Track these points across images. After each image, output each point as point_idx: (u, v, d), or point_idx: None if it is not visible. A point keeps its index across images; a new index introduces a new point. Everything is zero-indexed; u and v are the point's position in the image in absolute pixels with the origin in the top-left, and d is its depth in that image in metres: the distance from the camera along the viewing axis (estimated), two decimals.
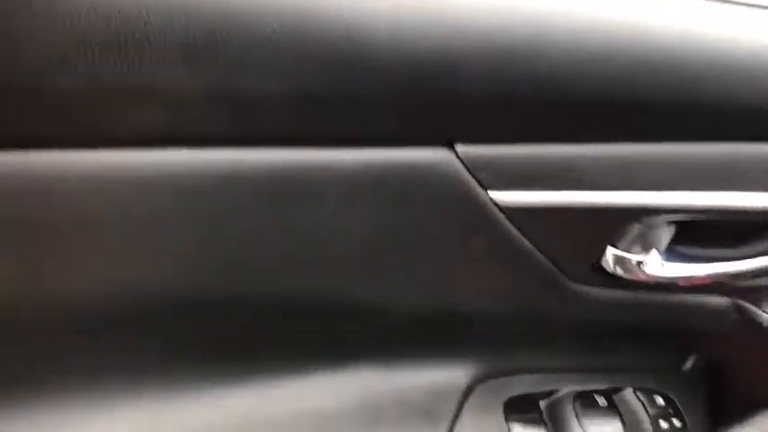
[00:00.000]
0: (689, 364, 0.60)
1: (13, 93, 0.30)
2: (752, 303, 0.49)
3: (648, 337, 0.57)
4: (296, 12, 0.31)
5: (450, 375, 0.53)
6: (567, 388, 0.56)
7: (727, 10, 0.37)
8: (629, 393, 0.56)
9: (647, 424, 0.54)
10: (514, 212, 0.40)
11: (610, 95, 0.36)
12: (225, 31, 0.30)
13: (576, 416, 0.53)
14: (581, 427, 0.52)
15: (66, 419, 0.44)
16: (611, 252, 0.44)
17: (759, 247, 0.46)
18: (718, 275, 0.46)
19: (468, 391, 0.53)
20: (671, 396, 0.57)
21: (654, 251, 0.45)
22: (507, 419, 0.52)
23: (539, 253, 0.43)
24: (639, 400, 0.56)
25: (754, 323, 0.49)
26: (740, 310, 0.49)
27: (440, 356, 0.53)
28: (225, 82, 0.31)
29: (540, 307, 0.49)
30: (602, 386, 0.56)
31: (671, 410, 0.55)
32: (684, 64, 0.36)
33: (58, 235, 0.36)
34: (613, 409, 0.54)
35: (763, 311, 0.48)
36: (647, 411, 0.55)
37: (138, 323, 0.42)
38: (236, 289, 0.42)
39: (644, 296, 0.48)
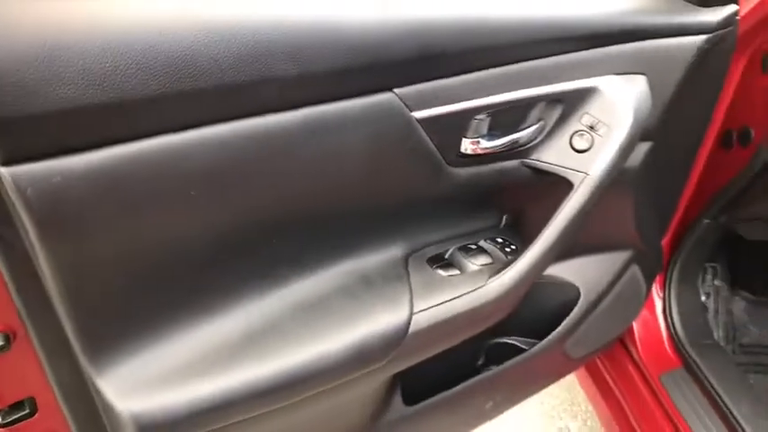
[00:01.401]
0: (503, 222, 1.07)
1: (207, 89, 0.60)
2: (532, 159, 0.95)
3: (483, 206, 1.03)
4: (331, 30, 0.67)
5: (395, 252, 0.90)
6: (454, 246, 0.98)
7: None
8: (483, 241, 1.00)
9: (499, 251, 0.98)
10: (424, 122, 0.79)
11: (468, 50, 0.78)
12: (310, 42, 0.64)
13: (464, 257, 0.95)
14: (468, 260, 0.94)
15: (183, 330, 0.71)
16: (464, 140, 0.87)
17: (529, 121, 0.93)
18: (512, 141, 0.91)
19: (406, 260, 0.91)
20: (504, 237, 1.03)
21: (482, 135, 0.88)
22: (432, 267, 0.92)
23: (434, 147, 0.83)
24: (490, 243, 1.00)
25: (535, 172, 0.96)
26: (527, 165, 0.95)
27: (385, 243, 0.90)
28: (306, 67, 0.65)
29: (435, 191, 0.89)
30: (471, 241, 1.00)
31: (508, 242, 1.01)
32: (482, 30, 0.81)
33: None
34: (481, 249, 0.98)
35: (540, 161, 0.95)
36: (496, 247, 1.00)
37: (237, 249, 0.71)
38: (287, 211, 0.74)
39: (479, 168, 0.92)
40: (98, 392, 0.66)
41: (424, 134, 0.80)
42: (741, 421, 1.25)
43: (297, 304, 0.79)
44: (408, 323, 0.82)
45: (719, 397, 1.30)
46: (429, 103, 0.78)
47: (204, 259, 0.70)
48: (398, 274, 0.88)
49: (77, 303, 0.63)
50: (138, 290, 0.66)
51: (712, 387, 1.32)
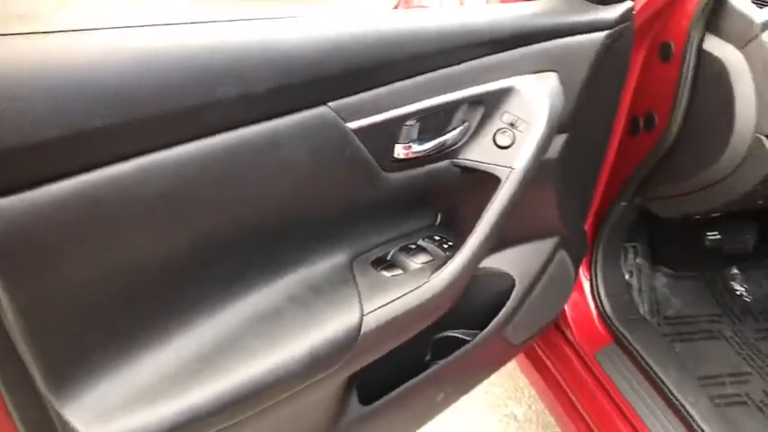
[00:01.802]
0: (438, 220, 1.14)
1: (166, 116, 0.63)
2: (460, 158, 1.02)
3: (419, 207, 1.09)
4: (266, 51, 0.71)
5: (340, 258, 0.95)
6: (395, 247, 1.03)
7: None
8: (422, 240, 1.06)
9: (438, 248, 1.05)
10: (359, 132, 0.85)
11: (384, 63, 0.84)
12: (247, 64, 0.68)
13: (405, 256, 1.01)
14: (410, 260, 1.00)
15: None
16: (397, 146, 0.93)
17: (454, 123, 0.99)
18: (440, 143, 0.98)
19: (351, 265, 0.96)
20: (441, 235, 1.09)
21: (413, 140, 0.94)
22: (376, 269, 0.97)
23: (370, 155, 0.88)
24: (429, 241, 1.06)
25: (464, 171, 1.03)
26: (456, 165, 1.02)
27: (330, 250, 0.94)
28: (245, 88, 0.69)
29: (373, 196, 0.94)
30: (410, 241, 1.05)
31: (445, 239, 1.07)
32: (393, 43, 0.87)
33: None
34: (420, 248, 1.04)
35: (468, 159, 1.02)
36: (434, 244, 1.06)
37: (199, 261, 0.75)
38: (237, 228, 0.78)
39: (412, 172, 0.98)
40: (63, 423, 0.68)
41: (359, 143, 0.85)
42: (671, 388, 1.35)
43: (251, 318, 0.83)
44: (359, 325, 0.86)
45: (650, 367, 1.40)
46: (362, 113, 0.84)
47: (160, 283, 0.73)
48: (345, 278, 0.93)
49: (38, 336, 0.65)
50: (98, 318, 0.69)
51: (642, 359, 1.42)
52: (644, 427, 1.31)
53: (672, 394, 1.34)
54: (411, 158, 0.95)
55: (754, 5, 1.19)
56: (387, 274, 0.97)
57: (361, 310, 0.88)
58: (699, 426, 1.26)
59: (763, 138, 1.18)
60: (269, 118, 0.75)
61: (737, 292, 1.87)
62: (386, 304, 0.90)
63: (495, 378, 2.08)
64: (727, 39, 1.22)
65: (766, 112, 1.17)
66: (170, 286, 0.75)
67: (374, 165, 0.90)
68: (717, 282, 1.89)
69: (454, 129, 0.98)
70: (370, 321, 0.88)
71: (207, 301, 0.80)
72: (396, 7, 2.46)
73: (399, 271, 0.98)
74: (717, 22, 1.24)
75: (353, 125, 0.84)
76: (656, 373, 1.39)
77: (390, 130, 0.90)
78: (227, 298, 0.82)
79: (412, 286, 0.93)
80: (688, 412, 1.29)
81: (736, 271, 1.92)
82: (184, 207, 0.71)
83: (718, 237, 1.81)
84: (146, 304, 0.73)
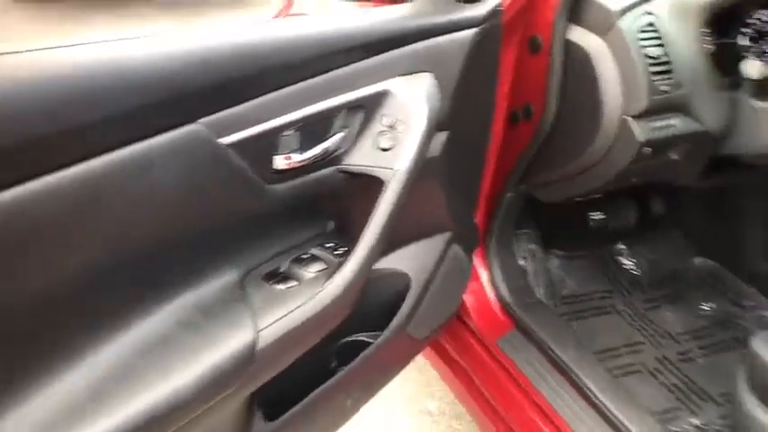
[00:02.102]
0: (329, 227, 1.13)
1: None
2: (345, 164, 1.02)
3: (309, 216, 1.08)
4: (123, 71, 0.69)
5: (229, 277, 0.93)
6: (288, 258, 1.02)
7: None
8: (314, 249, 1.06)
9: (330, 255, 1.04)
10: (234, 146, 0.83)
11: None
12: (105, 86, 0.66)
13: (299, 267, 1.00)
14: (303, 270, 1.00)
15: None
16: (276, 158, 0.92)
17: (335, 130, 0.99)
18: (322, 150, 0.97)
19: (243, 281, 0.94)
20: (333, 241, 1.09)
21: (293, 150, 0.94)
22: (269, 283, 0.96)
23: (249, 169, 0.87)
24: (321, 249, 1.06)
25: (350, 176, 1.03)
26: (341, 170, 1.02)
27: (218, 269, 0.92)
28: (105, 112, 0.67)
29: (258, 209, 0.93)
30: (302, 251, 1.05)
31: (338, 245, 1.07)
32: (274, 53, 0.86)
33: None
34: (314, 257, 1.04)
35: (352, 164, 1.02)
36: (327, 252, 1.06)
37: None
38: (115, 256, 0.75)
39: (297, 181, 0.97)
40: None
41: (236, 158, 0.84)
42: (570, 365, 1.41)
43: (140, 347, 0.80)
44: (254, 342, 0.85)
45: (550, 348, 1.46)
46: (235, 127, 0.83)
47: (34, 323, 0.70)
48: (236, 296, 0.91)
49: None
50: None
51: (542, 340, 1.48)
52: (548, 406, 1.36)
53: (571, 371, 1.40)
54: (294, 168, 0.94)
55: None
56: (280, 286, 0.96)
57: (255, 326, 0.87)
58: (597, 398, 1.32)
59: (629, 119, 1.25)
60: (134, 140, 0.72)
61: (625, 267, 1.98)
62: (281, 318, 0.89)
63: (408, 375, 2.10)
64: (590, 28, 1.29)
65: (630, 95, 1.25)
66: (49, 321, 0.71)
67: (254, 178, 0.89)
68: (606, 259, 1.99)
69: (335, 135, 0.98)
70: (267, 336, 0.87)
71: (90, 335, 0.77)
72: (277, 16, 2.43)
73: (294, 282, 0.98)
74: (579, 12, 1.30)
75: (227, 140, 0.82)
76: (555, 353, 1.45)
77: (267, 142, 0.89)
78: (114, 328, 0.79)
79: (306, 297, 0.93)
80: (587, 386, 1.35)
81: (622, 247, 2.02)
82: (58, 239, 0.68)
83: (602, 216, 1.91)
84: (24, 342, 0.69)
